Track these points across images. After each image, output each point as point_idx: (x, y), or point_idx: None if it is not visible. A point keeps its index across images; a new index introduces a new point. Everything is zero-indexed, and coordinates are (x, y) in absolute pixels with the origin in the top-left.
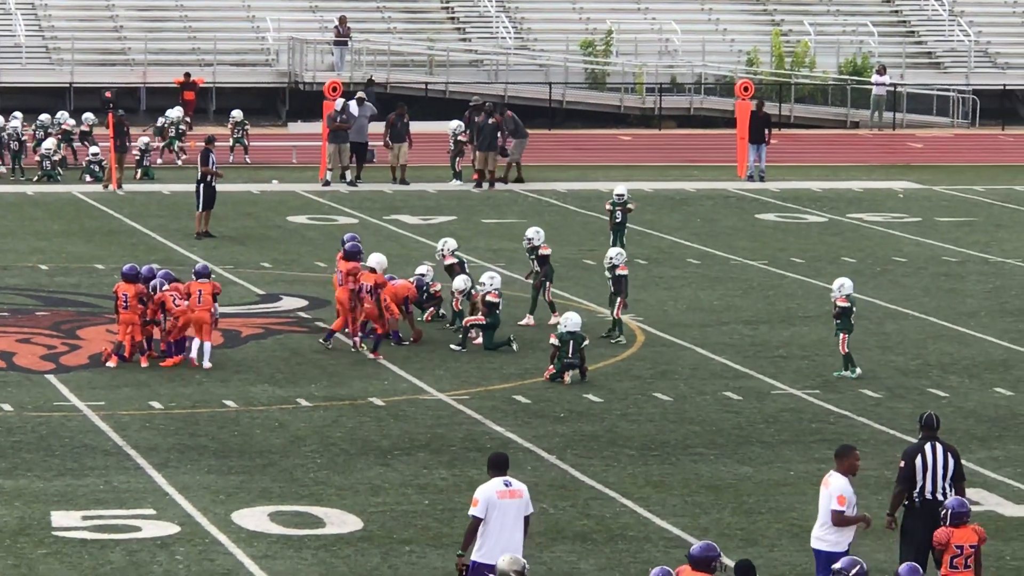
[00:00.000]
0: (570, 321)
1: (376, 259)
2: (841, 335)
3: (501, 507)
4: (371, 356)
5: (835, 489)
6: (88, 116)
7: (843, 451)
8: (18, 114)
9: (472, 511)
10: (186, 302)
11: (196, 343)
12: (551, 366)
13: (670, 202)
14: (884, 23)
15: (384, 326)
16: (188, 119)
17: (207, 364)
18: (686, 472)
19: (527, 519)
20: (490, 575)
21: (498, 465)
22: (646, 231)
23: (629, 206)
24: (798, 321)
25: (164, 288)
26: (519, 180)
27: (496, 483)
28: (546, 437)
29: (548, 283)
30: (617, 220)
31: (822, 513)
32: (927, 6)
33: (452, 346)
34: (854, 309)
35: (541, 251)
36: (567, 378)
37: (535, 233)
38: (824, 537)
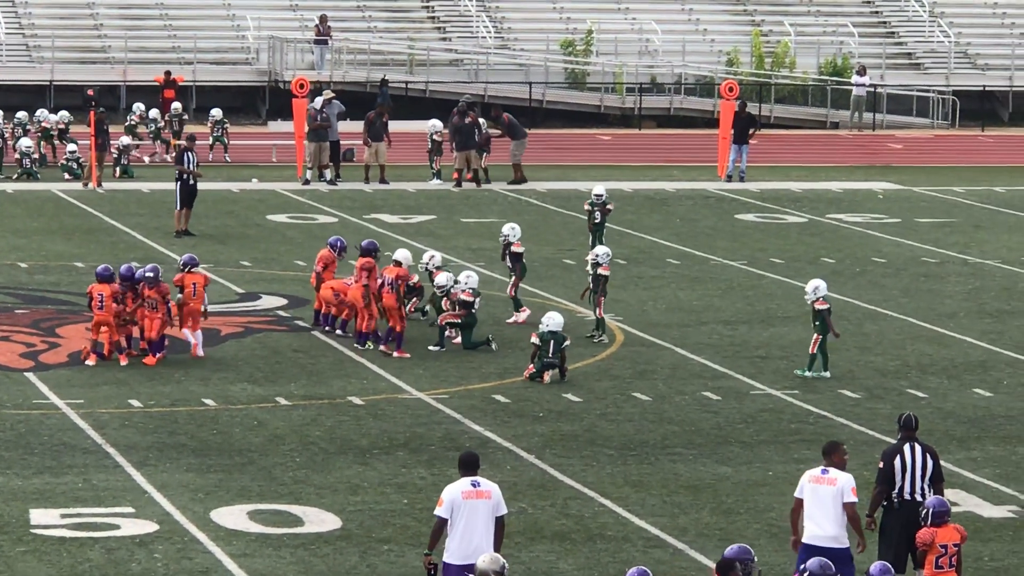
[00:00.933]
0: (552, 321)
1: (403, 254)
2: (816, 336)
3: (468, 507)
4: (396, 355)
5: (847, 481)
6: (64, 114)
7: (832, 447)
8: None
9: (437, 511)
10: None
11: (198, 335)
12: (531, 365)
13: (650, 202)
14: (864, 24)
15: (402, 322)
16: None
17: (201, 352)
18: (665, 472)
19: (500, 520)
20: (468, 575)
21: (468, 464)
22: (626, 231)
23: (608, 206)
24: (777, 321)
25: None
26: (522, 181)
27: (463, 483)
28: (525, 436)
29: (516, 279)
30: (596, 221)
31: (835, 512)
32: (907, 7)
33: (430, 347)
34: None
35: (514, 248)
36: (546, 378)
37: (510, 229)
38: (842, 535)
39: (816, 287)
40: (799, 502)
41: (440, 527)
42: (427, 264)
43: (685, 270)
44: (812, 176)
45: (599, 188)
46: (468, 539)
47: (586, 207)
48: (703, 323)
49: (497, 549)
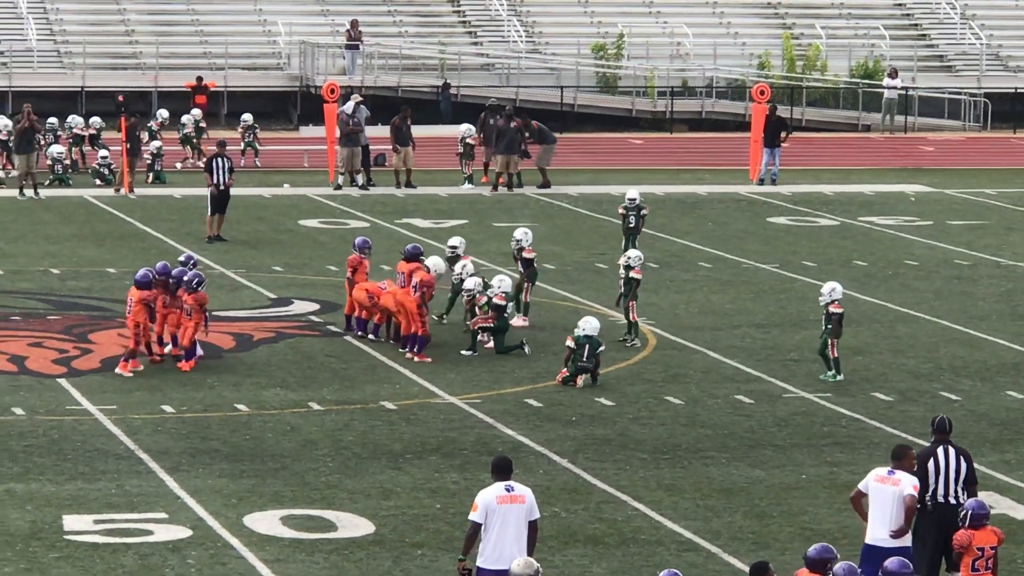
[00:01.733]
0: (588, 325)
1: (434, 261)
2: (830, 341)
3: (501, 512)
4: (416, 359)
5: (910, 480)
6: (96, 120)
7: (902, 451)
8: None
9: (471, 516)
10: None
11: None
12: (564, 369)
13: (681, 205)
14: (896, 26)
15: (424, 327)
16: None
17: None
18: (698, 475)
19: (533, 524)
20: None
21: (501, 469)
22: (657, 234)
23: (643, 211)
24: (809, 324)
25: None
26: (546, 185)
27: (497, 488)
28: (558, 441)
29: (529, 285)
30: (631, 225)
31: (896, 513)
32: (939, 9)
33: (463, 351)
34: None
35: (525, 254)
36: (579, 382)
37: (523, 234)
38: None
39: (832, 289)
40: (860, 493)
41: (474, 532)
42: (460, 272)
43: (717, 273)
44: (844, 179)
45: (633, 192)
46: (502, 544)
47: (620, 211)
48: (735, 326)
49: (530, 553)
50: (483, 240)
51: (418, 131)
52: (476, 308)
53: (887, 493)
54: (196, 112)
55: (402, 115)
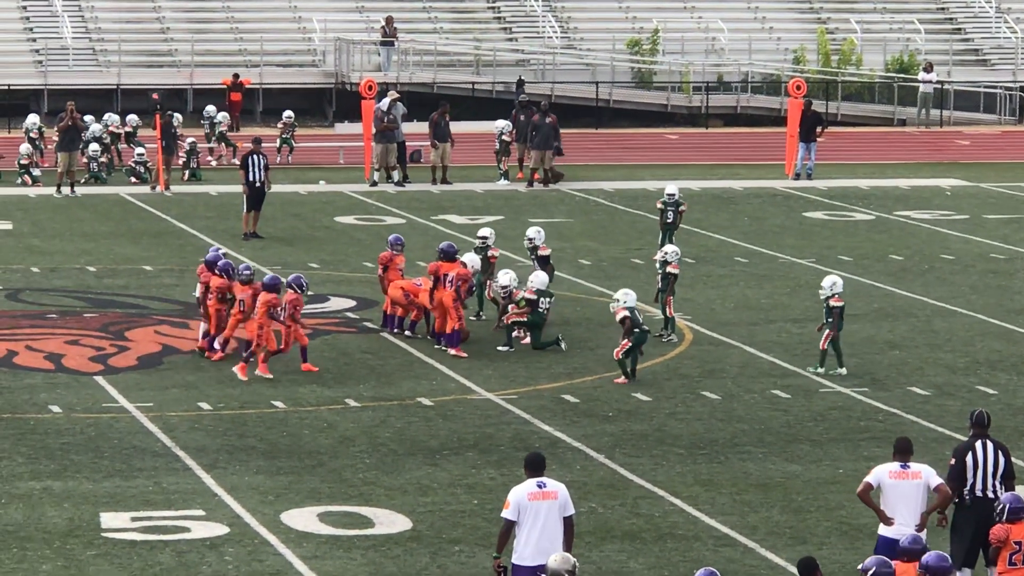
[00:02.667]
0: (629, 298)
1: (470, 257)
2: (827, 332)
3: (533, 509)
4: (452, 353)
5: (930, 470)
6: (132, 118)
7: (908, 444)
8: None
9: (504, 513)
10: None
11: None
12: (626, 340)
13: (717, 201)
14: (931, 20)
15: (461, 322)
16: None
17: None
18: (735, 470)
19: (568, 520)
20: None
21: (534, 466)
22: (693, 230)
23: (682, 207)
24: (846, 319)
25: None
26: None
27: (529, 484)
28: (595, 436)
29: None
30: (668, 220)
31: (919, 505)
32: (974, 3)
33: (499, 347)
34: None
35: (540, 252)
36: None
37: (536, 233)
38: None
39: (833, 283)
40: (869, 486)
41: (507, 529)
42: (533, 239)
43: (753, 268)
44: (880, 173)
45: (672, 187)
46: (536, 540)
47: (659, 206)
48: (771, 321)
49: (567, 549)
50: (519, 236)
51: (455, 127)
52: (511, 304)
53: (907, 486)
54: (210, 108)
55: (441, 111)
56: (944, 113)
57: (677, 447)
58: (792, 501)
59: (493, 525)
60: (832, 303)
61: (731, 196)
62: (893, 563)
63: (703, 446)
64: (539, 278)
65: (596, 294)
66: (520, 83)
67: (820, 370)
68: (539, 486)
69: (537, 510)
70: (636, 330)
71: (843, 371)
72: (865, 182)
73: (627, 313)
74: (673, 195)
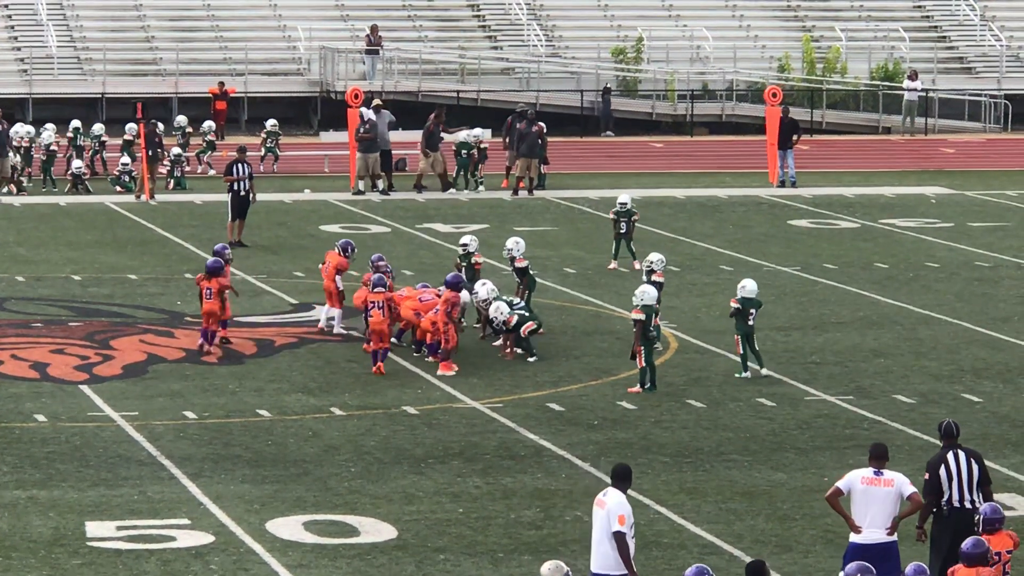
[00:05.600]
0: (647, 295)
1: (484, 289)
2: (736, 336)
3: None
4: (440, 369)
5: (903, 479)
6: (131, 127)
7: (883, 450)
8: (49, 126)
9: (618, 527)
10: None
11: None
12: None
13: (702, 209)
14: (915, 28)
15: (453, 340)
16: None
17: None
18: (720, 479)
19: (613, 535)
20: None
21: (618, 476)
22: (678, 238)
23: (634, 217)
24: (831, 327)
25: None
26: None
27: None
28: (580, 445)
29: (528, 293)
30: (622, 231)
31: (891, 512)
32: (958, 11)
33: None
34: (752, 312)
35: (517, 263)
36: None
37: (514, 244)
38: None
39: (743, 285)
40: (839, 491)
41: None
42: (511, 249)
43: (738, 276)
44: (865, 181)
45: (624, 197)
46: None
47: (611, 216)
48: (757, 329)
49: (626, 563)
50: (504, 245)
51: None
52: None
53: (880, 493)
54: (180, 119)
55: (436, 119)
56: (929, 121)
57: (662, 455)
58: (777, 509)
59: (478, 534)
60: (732, 304)
61: (716, 204)
62: (984, 538)
63: (688, 454)
64: (485, 288)
65: (581, 302)
66: (607, 90)
67: (746, 374)
68: (604, 495)
69: (596, 518)
70: (644, 337)
71: (762, 370)
72: (850, 190)
73: (642, 316)
74: (625, 204)
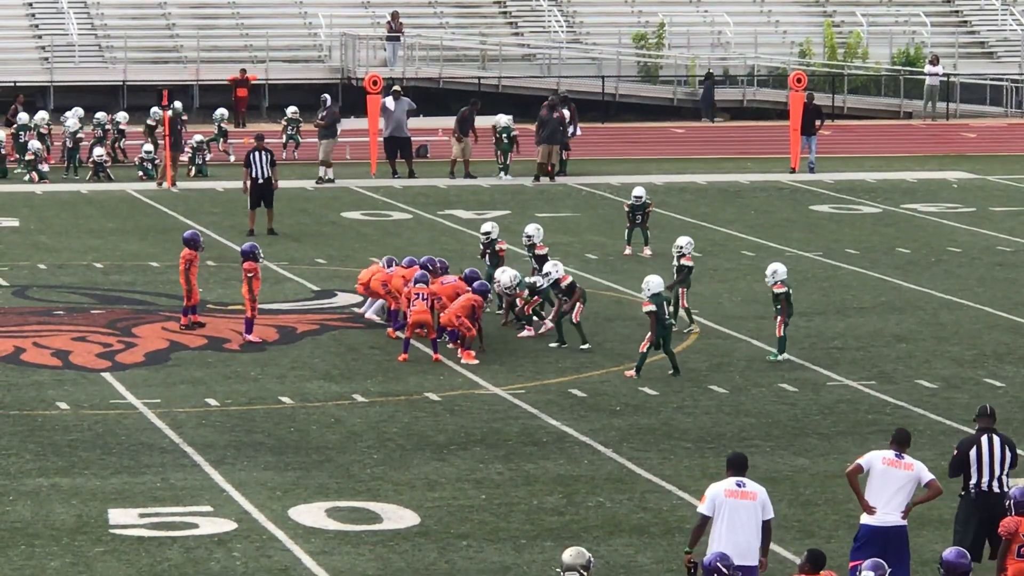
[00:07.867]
0: (654, 283)
1: (506, 276)
2: (779, 319)
3: (729, 506)
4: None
5: (922, 466)
6: (155, 111)
7: (906, 435)
8: (73, 112)
9: (700, 508)
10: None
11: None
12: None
13: (724, 194)
14: (937, 13)
15: (471, 330)
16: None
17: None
18: None
19: (766, 524)
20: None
21: (735, 465)
22: (700, 223)
23: (648, 208)
24: (853, 312)
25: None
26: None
27: (728, 482)
28: (602, 430)
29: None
30: (637, 221)
31: (907, 496)
32: None
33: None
34: (791, 293)
35: (538, 250)
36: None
37: (535, 230)
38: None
39: (775, 271)
40: (859, 468)
41: (702, 524)
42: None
43: (760, 262)
44: (886, 166)
45: (639, 190)
46: (728, 538)
47: (625, 208)
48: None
49: (765, 553)
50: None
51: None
52: (516, 303)
53: (898, 476)
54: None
55: (471, 107)
56: (950, 106)
57: (685, 441)
58: (800, 495)
59: (501, 520)
60: (775, 290)
61: (738, 190)
62: (1017, 519)
63: (711, 440)
64: (559, 268)
65: (603, 288)
66: (709, 76)
67: (780, 357)
68: (738, 485)
69: (733, 508)
70: (660, 326)
71: (781, 358)
72: (872, 175)
73: (653, 307)
74: (640, 197)
